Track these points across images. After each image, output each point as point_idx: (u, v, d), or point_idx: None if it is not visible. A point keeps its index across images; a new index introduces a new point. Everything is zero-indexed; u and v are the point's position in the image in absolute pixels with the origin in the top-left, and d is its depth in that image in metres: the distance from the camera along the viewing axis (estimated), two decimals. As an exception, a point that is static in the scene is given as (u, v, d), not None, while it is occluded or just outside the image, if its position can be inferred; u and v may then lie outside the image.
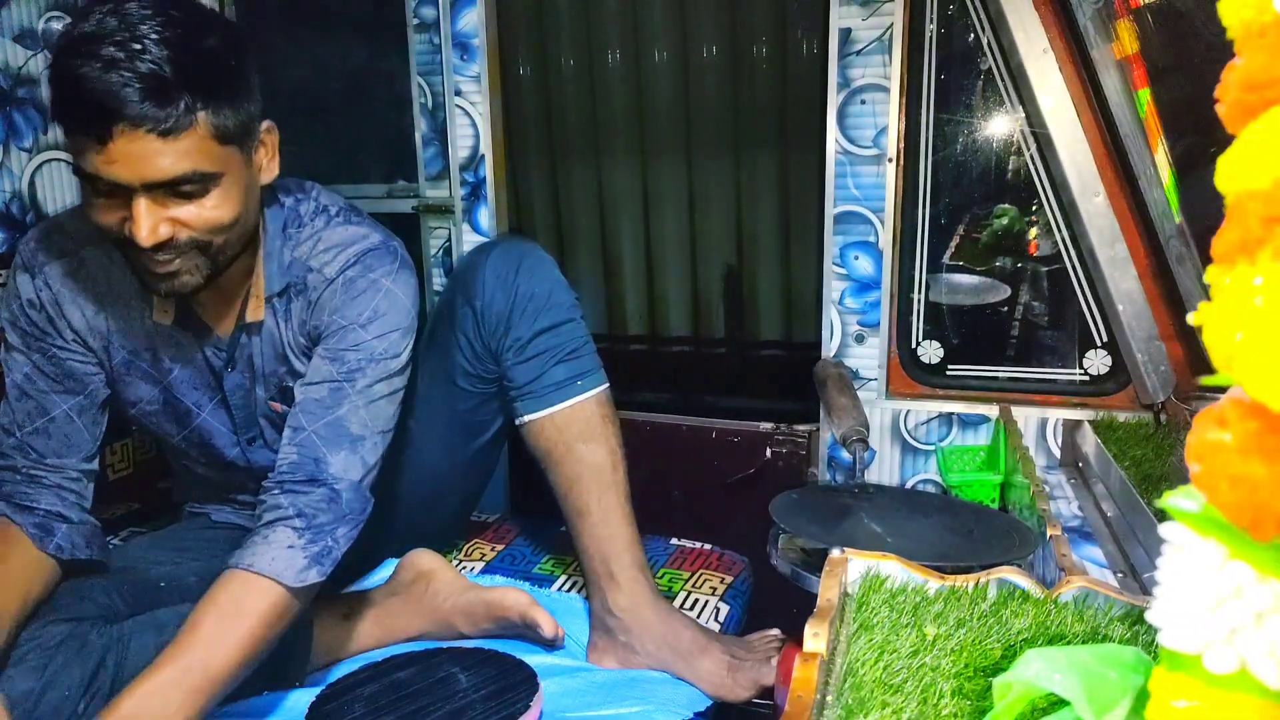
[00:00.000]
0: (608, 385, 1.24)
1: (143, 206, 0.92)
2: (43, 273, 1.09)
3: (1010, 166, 1.61)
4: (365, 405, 1.08)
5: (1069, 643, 0.70)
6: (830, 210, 1.66)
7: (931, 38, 1.58)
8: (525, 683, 1.07)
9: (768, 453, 1.79)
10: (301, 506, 1.02)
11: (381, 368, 1.10)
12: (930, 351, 1.71)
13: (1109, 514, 1.24)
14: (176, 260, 0.97)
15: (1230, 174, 0.32)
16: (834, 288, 1.69)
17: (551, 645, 1.22)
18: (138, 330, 1.12)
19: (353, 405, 1.07)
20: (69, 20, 0.92)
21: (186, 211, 0.94)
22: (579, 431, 1.20)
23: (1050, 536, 1.02)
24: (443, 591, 1.26)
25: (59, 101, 0.90)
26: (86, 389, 1.12)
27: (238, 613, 0.97)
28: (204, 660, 0.93)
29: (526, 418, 1.21)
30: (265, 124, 1.03)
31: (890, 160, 1.61)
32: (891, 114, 1.59)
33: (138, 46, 0.87)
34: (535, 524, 1.61)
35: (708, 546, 1.56)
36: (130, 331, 1.12)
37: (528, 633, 1.22)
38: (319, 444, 1.05)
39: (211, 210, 0.96)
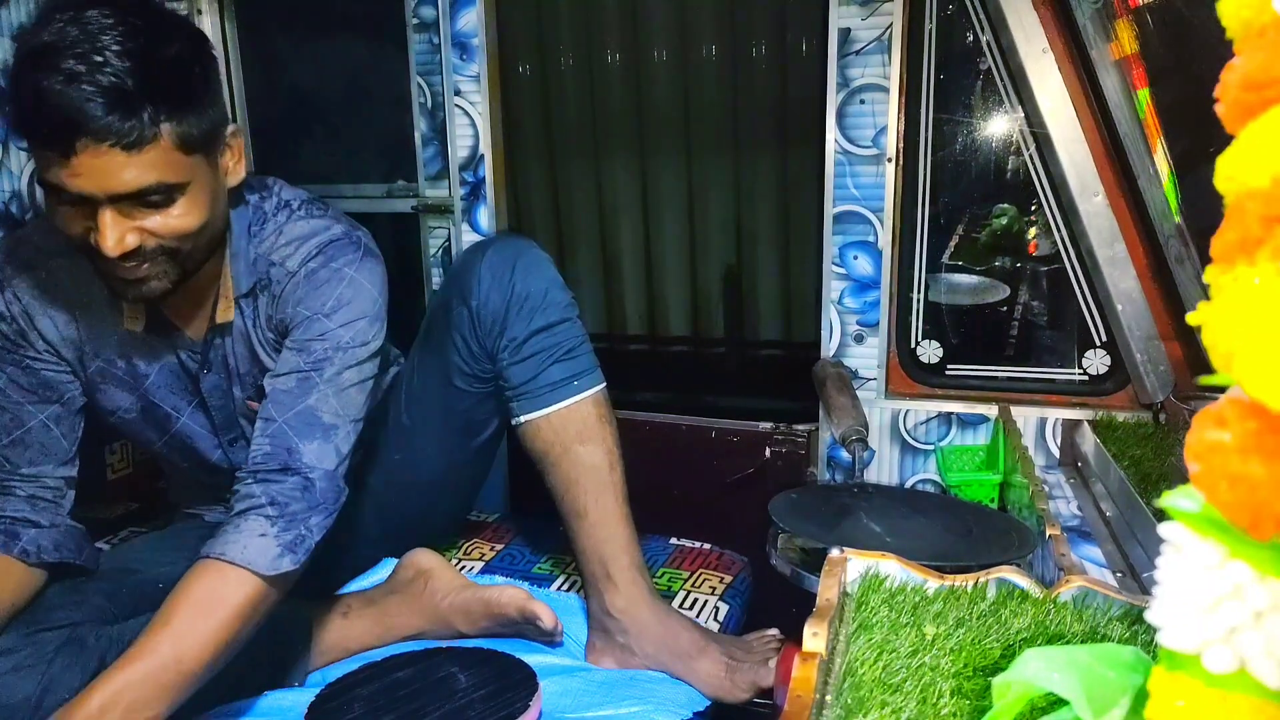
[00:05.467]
0: (605, 385, 1.24)
1: (108, 218, 0.91)
2: (11, 285, 1.08)
3: (1009, 166, 1.61)
4: (335, 394, 1.08)
5: (1068, 642, 0.70)
6: (830, 210, 1.66)
7: (931, 38, 1.58)
8: (524, 682, 1.07)
9: (767, 452, 1.79)
10: (274, 494, 1.01)
11: (349, 355, 1.09)
12: (929, 351, 1.71)
13: (1108, 513, 1.24)
14: (144, 266, 0.96)
15: (1229, 174, 0.32)
16: (833, 287, 1.69)
17: (552, 636, 1.22)
18: (110, 339, 1.12)
19: (322, 394, 1.07)
20: (27, 28, 0.91)
21: (153, 221, 0.94)
22: (576, 432, 1.19)
23: (1049, 536, 1.02)
24: (441, 590, 1.26)
25: (20, 114, 0.89)
26: (63, 397, 1.11)
27: (211, 604, 0.95)
28: (176, 654, 0.91)
29: (523, 418, 1.21)
30: (230, 128, 1.03)
31: (889, 160, 1.61)
32: (891, 114, 1.59)
33: (99, 59, 0.86)
34: (534, 524, 1.61)
35: (707, 546, 1.56)
36: (103, 340, 1.12)
37: (527, 628, 1.22)
38: (290, 434, 1.04)
39: (178, 218, 0.95)
